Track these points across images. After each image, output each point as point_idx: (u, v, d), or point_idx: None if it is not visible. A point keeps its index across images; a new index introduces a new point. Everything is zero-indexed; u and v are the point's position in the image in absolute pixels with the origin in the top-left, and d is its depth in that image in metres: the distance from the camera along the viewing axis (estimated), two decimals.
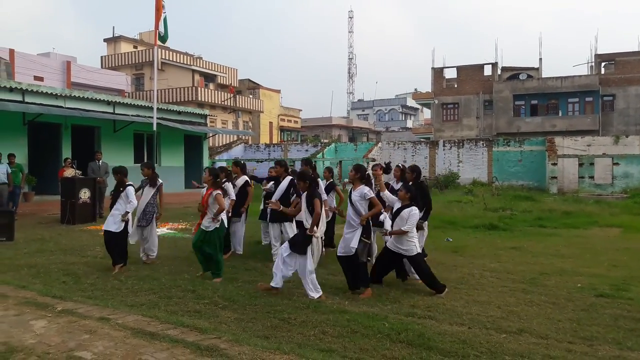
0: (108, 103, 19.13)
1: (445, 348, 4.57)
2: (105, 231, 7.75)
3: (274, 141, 47.73)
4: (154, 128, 13.56)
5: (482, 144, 29.76)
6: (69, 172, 14.19)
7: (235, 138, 38.10)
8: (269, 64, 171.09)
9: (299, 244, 6.35)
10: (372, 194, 6.56)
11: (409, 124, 75.06)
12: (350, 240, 6.50)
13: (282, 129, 52.91)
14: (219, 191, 7.30)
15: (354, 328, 5.06)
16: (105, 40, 46.80)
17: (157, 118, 14.20)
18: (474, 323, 5.36)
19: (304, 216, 6.46)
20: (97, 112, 18.05)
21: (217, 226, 7.26)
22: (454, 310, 5.81)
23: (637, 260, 8.98)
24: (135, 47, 45.93)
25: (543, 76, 41.96)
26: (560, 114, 40.41)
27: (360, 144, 37.10)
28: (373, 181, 7.68)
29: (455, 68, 44.25)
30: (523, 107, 41.76)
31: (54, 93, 17.24)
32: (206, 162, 24.17)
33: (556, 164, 25.26)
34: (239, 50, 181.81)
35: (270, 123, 50.36)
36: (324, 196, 8.44)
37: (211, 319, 5.32)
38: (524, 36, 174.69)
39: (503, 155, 28.84)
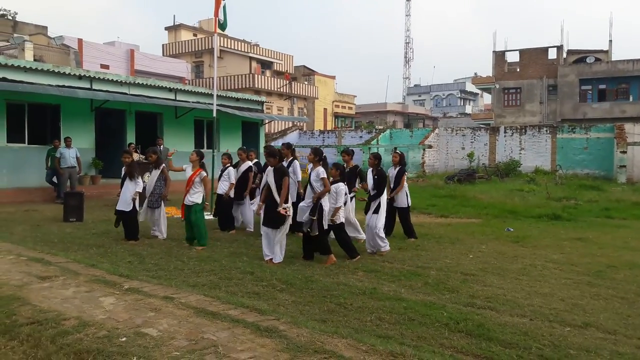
0: (170, 90, 19.70)
1: (506, 339, 4.47)
2: (118, 211, 8.78)
3: (328, 127, 47.79)
4: (214, 115, 13.84)
5: (546, 130, 28.58)
6: (133, 157, 14.75)
7: (290, 124, 38.41)
8: (325, 50, 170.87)
9: (272, 220, 7.22)
10: (324, 175, 7.37)
11: (468, 109, 73.13)
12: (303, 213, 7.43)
13: (336, 115, 52.84)
14: (205, 173, 8.39)
15: (411, 316, 5.03)
16: (166, 28, 48.10)
17: (217, 105, 14.50)
18: (536, 315, 5.20)
19: (273, 189, 7.21)
20: (160, 98, 18.63)
21: (199, 201, 8.36)
22: (515, 302, 5.65)
23: None
24: (195, 35, 46.96)
25: (613, 59, 39.73)
26: (631, 99, 38.20)
27: (416, 130, 36.54)
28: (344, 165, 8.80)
29: (517, 51, 42.61)
30: (590, 92, 39.75)
31: (119, 80, 17.92)
32: (262, 148, 24.53)
33: (625, 152, 23.91)
34: (295, 36, 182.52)
35: (325, 109, 50.40)
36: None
37: (270, 300, 5.43)
38: (592, 17, 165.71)
39: (568, 142, 27.60)
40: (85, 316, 4.67)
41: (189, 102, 19.77)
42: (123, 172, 8.97)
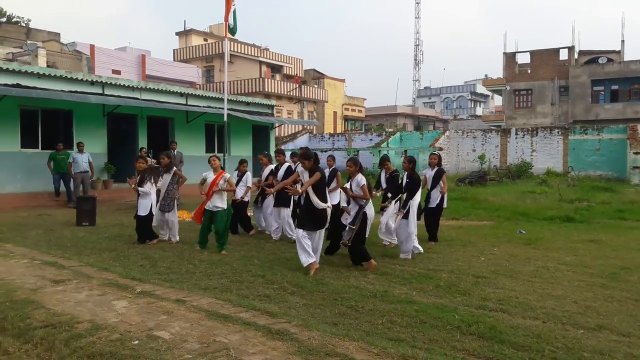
0: (181, 95, 19.84)
1: (518, 342, 4.44)
2: (139, 216, 8.82)
3: (338, 131, 47.80)
4: (225, 119, 13.91)
5: (558, 132, 28.37)
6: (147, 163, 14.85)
7: (300, 128, 38.48)
8: (334, 53, 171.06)
9: (312, 223, 6.95)
10: (364, 182, 7.35)
11: (479, 111, 72.68)
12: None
13: (346, 119, 52.84)
14: (229, 175, 8.42)
15: (423, 319, 5.01)
16: (177, 33, 48.46)
17: (227, 109, 14.56)
18: (549, 317, 5.16)
19: (311, 192, 6.94)
20: (171, 103, 18.77)
21: (224, 206, 8.26)
22: (528, 304, 5.61)
23: None
24: (205, 39, 47.25)
25: (625, 59, 39.36)
26: None
27: (427, 132, 36.42)
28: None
29: (528, 53, 42.41)
30: (602, 92, 39.42)
31: (130, 85, 18.07)
32: (272, 152, 24.60)
33: (639, 153, 23.67)
34: (304, 40, 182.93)
35: (335, 112, 50.43)
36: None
37: (281, 303, 5.44)
38: (603, 18, 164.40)
39: (580, 144, 27.38)
40: (98, 319, 4.71)
41: (199, 106, 19.89)
42: (138, 179, 9.00)
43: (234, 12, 13.78)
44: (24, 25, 40.80)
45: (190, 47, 45.78)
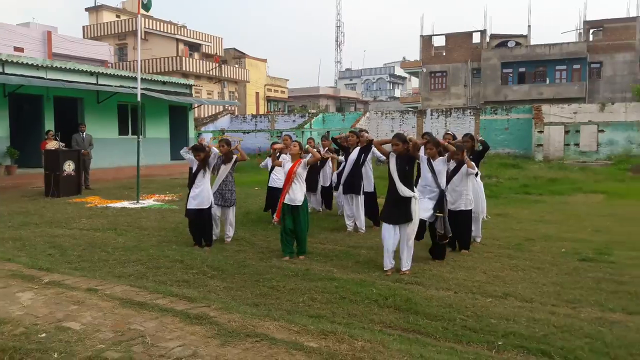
0: (91, 74, 18.73)
1: (432, 312, 4.65)
2: (194, 210, 7.30)
3: (261, 112, 47.33)
4: (138, 99, 13.28)
5: (470, 112, 29.72)
6: (52, 145, 13.98)
7: (221, 109, 37.63)
8: (255, 33, 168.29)
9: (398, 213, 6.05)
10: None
11: (397, 93, 74.65)
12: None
13: (268, 100, 52.36)
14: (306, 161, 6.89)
15: (342, 294, 5.12)
16: (87, 9, 45.56)
17: (142, 89, 13.88)
18: (460, 288, 5.44)
19: (396, 177, 6.04)
20: (80, 82, 17.68)
21: (303, 199, 6.82)
22: (440, 276, 5.88)
23: (619, 225, 9.14)
24: (118, 16, 44.78)
25: (532, 44, 41.82)
26: (547, 82, 40.43)
27: (348, 114, 36.89)
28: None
29: (444, 36, 43.89)
30: (511, 75, 41.69)
31: (34, 64, 16.83)
32: (192, 133, 23.94)
33: (542, 131, 25.36)
34: (224, 18, 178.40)
35: (257, 93, 49.80)
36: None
37: (200, 288, 5.34)
38: (513, 3, 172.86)
39: (490, 123, 28.85)
40: (0, 313, 4.40)
41: (111, 86, 18.90)
42: (196, 167, 7.36)
43: None
44: None
45: (101, 23, 43.21)
